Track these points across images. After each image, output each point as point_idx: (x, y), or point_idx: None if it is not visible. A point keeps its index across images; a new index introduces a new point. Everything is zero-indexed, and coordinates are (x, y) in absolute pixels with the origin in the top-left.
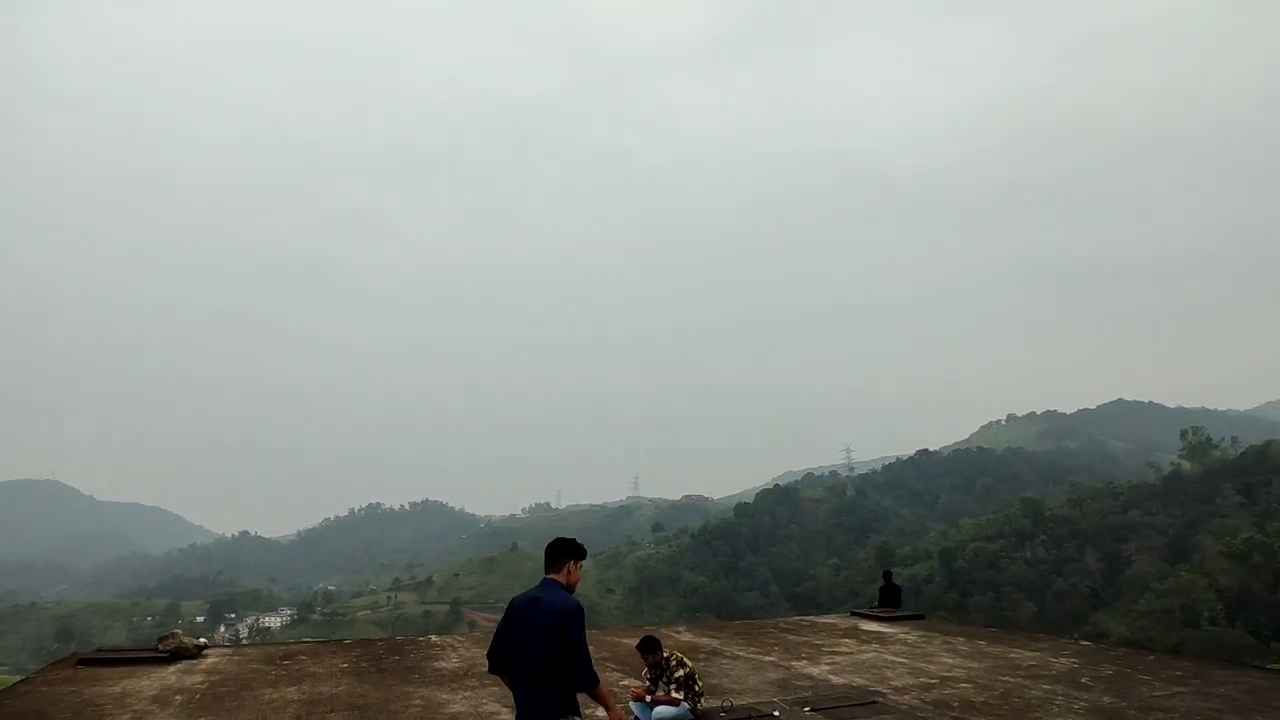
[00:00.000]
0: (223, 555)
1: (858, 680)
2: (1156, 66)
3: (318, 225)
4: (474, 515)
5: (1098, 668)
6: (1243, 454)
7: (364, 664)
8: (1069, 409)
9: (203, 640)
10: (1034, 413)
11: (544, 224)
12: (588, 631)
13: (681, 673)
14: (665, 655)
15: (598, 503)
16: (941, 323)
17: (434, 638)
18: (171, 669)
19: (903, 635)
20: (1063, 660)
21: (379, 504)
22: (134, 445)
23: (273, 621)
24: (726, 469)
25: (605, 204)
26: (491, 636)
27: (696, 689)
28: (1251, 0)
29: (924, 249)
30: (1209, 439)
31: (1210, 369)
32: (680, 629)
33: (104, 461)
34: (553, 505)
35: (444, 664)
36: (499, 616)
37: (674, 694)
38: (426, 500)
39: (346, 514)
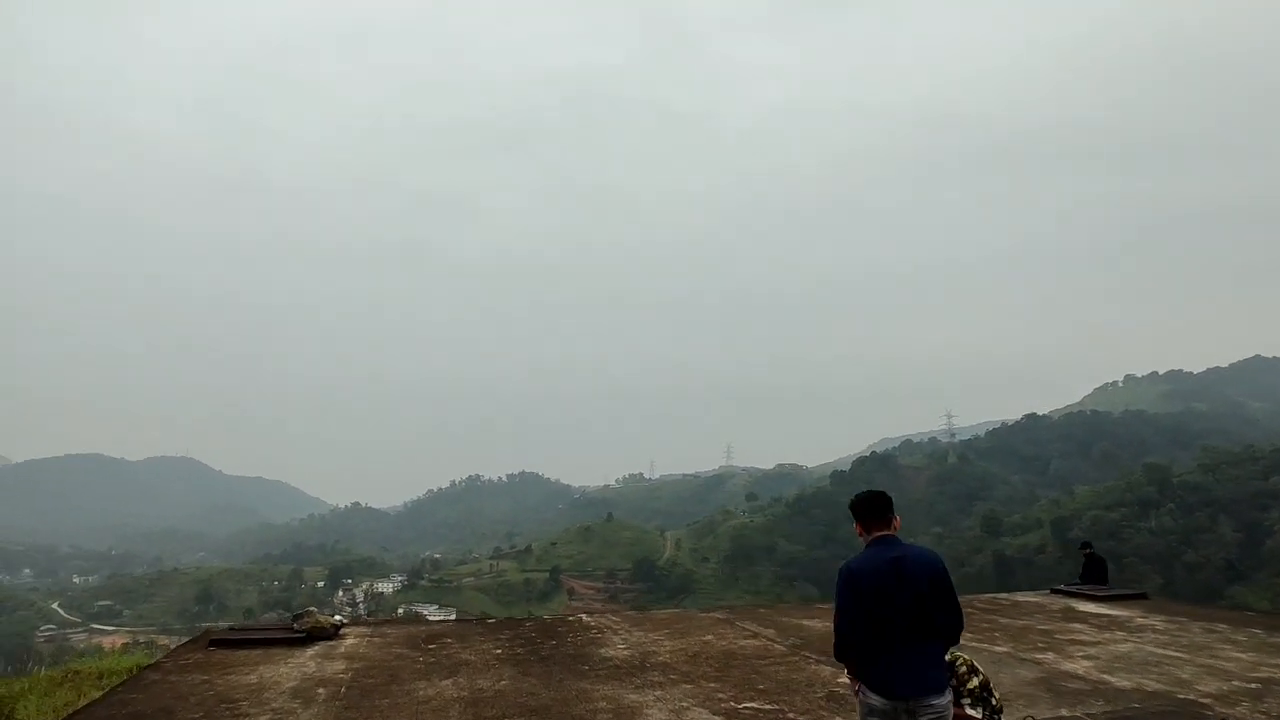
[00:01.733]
0: (338, 525)
1: (1148, 684)
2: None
3: (407, 211)
4: (569, 486)
5: None
6: None
7: (519, 650)
8: (1197, 368)
9: (339, 619)
10: (1156, 373)
11: (627, 193)
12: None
13: (975, 682)
14: (950, 660)
15: (690, 472)
16: (1046, 282)
17: (585, 618)
18: (309, 652)
19: (1141, 619)
20: None
21: (478, 476)
22: (256, 425)
23: (385, 587)
24: (821, 437)
25: (686, 169)
26: (845, 616)
27: (994, 703)
28: None
29: (1024, 203)
30: None
31: None
32: None
33: (231, 440)
34: (646, 475)
35: (611, 651)
36: (597, 584)
37: (970, 711)
38: (523, 472)
39: (448, 486)
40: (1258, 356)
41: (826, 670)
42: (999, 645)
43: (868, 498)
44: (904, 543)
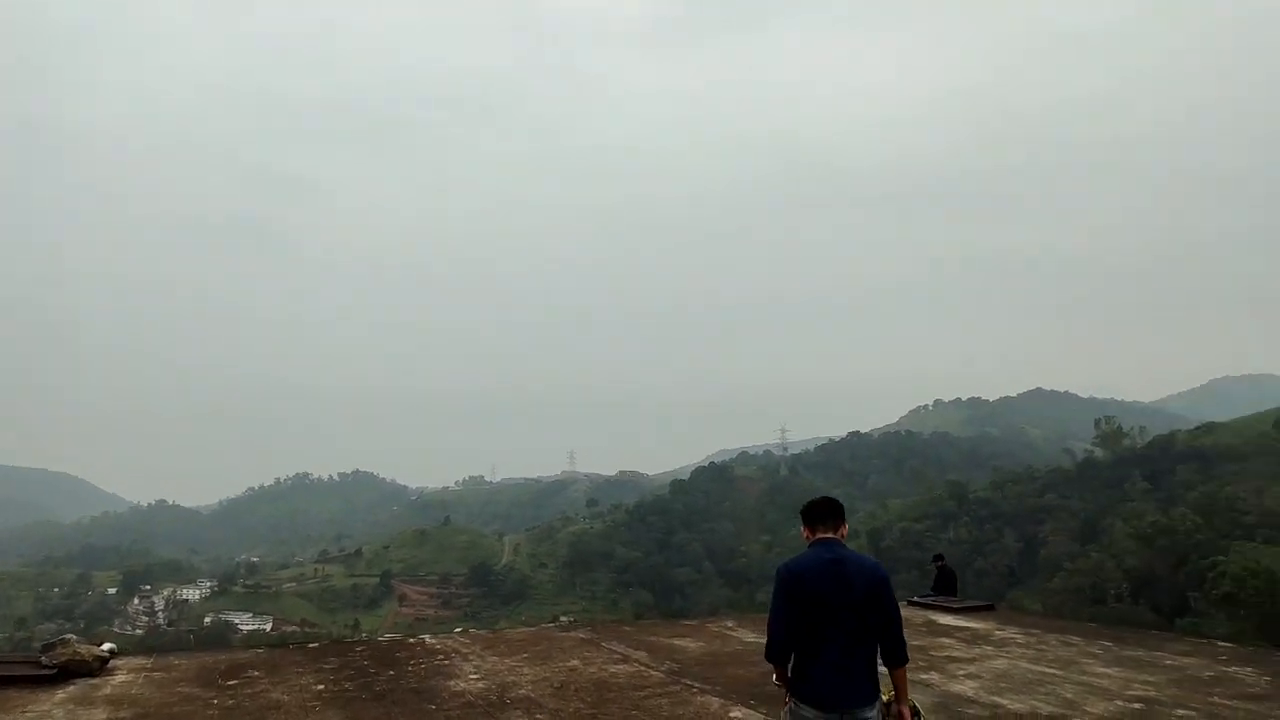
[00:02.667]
0: (138, 524)
1: (1041, 707)
2: (1096, 75)
3: (245, 188)
4: (405, 487)
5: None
6: (1149, 443)
7: (348, 684)
8: (992, 396)
9: (109, 647)
10: (960, 399)
11: (485, 198)
12: None
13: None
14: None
15: (533, 477)
16: (878, 311)
17: (430, 640)
18: (60, 695)
19: (1000, 632)
20: (1239, 670)
21: (306, 474)
22: (39, 408)
23: (191, 594)
24: (663, 446)
25: (549, 180)
26: (779, 618)
27: None
28: (1184, 17)
29: (866, 241)
30: (1120, 428)
31: (1119, 364)
32: (726, 621)
33: (7, 423)
34: (486, 479)
35: (463, 684)
36: (431, 589)
37: None
38: (356, 471)
39: (272, 484)
40: (1039, 389)
41: (715, 703)
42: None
43: (820, 501)
44: (851, 550)
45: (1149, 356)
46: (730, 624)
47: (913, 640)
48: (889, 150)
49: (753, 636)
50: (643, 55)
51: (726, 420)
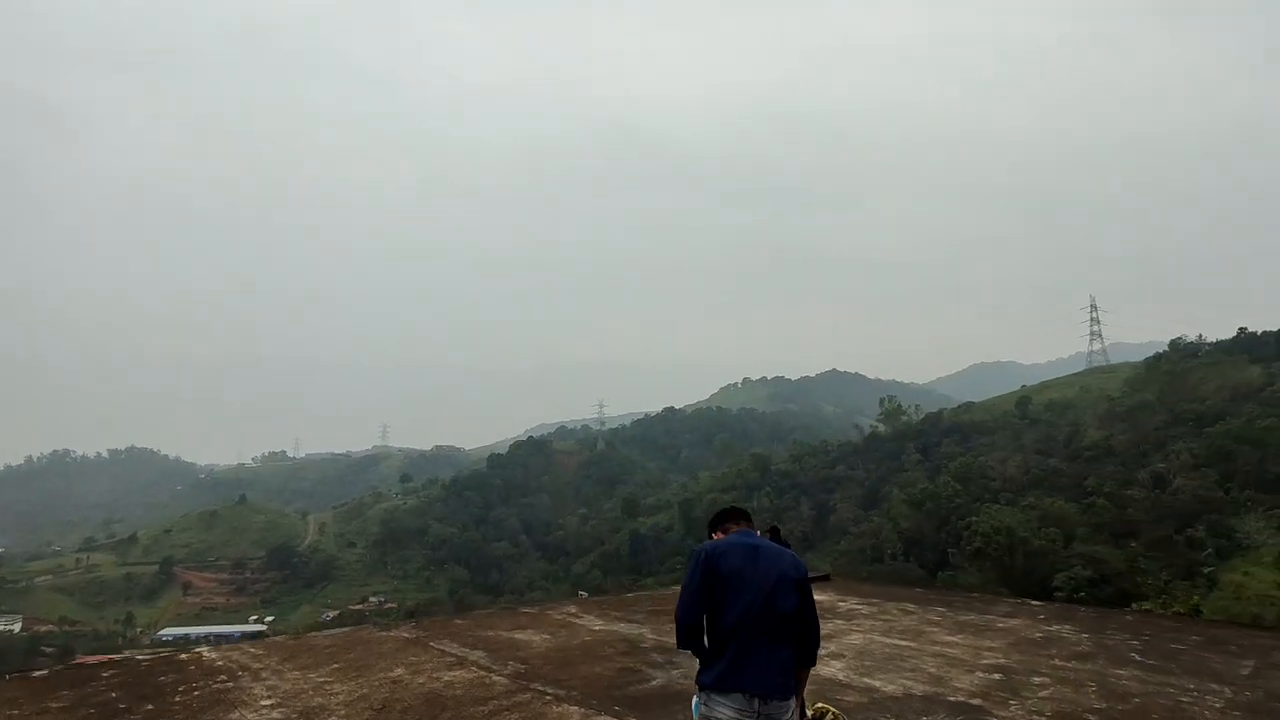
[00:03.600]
0: None
1: (914, 687)
2: (896, 83)
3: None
4: (192, 464)
5: (1108, 634)
6: (922, 420)
7: None
8: (793, 376)
9: None
10: (765, 378)
11: (290, 147)
12: None
13: None
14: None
15: (341, 451)
16: (693, 291)
17: (208, 655)
18: None
19: (843, 604)
20: (1060, 629)
21: (67, 451)
22: None
23: None
24: (480, 420)
25: (364, 136)
26: (689, 597)
27: None
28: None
29: (680, 220)
30: (899, 407)
31: (900, 349)
32: (568, 606)
33: None
34: (289, 454)
35: (251, 715)
36: (222, 575)
37: None
38: (131, 447)
39: (21, 463)
40: (834, 369)
41: (575, 712)
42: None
43: (730, 507)
44: (771, 542)
45: (924, 344)
46: (573, 609)
47: None
48: (703, 136)
49: (601, 623)
50: (466, 20)
51: (547, 395)
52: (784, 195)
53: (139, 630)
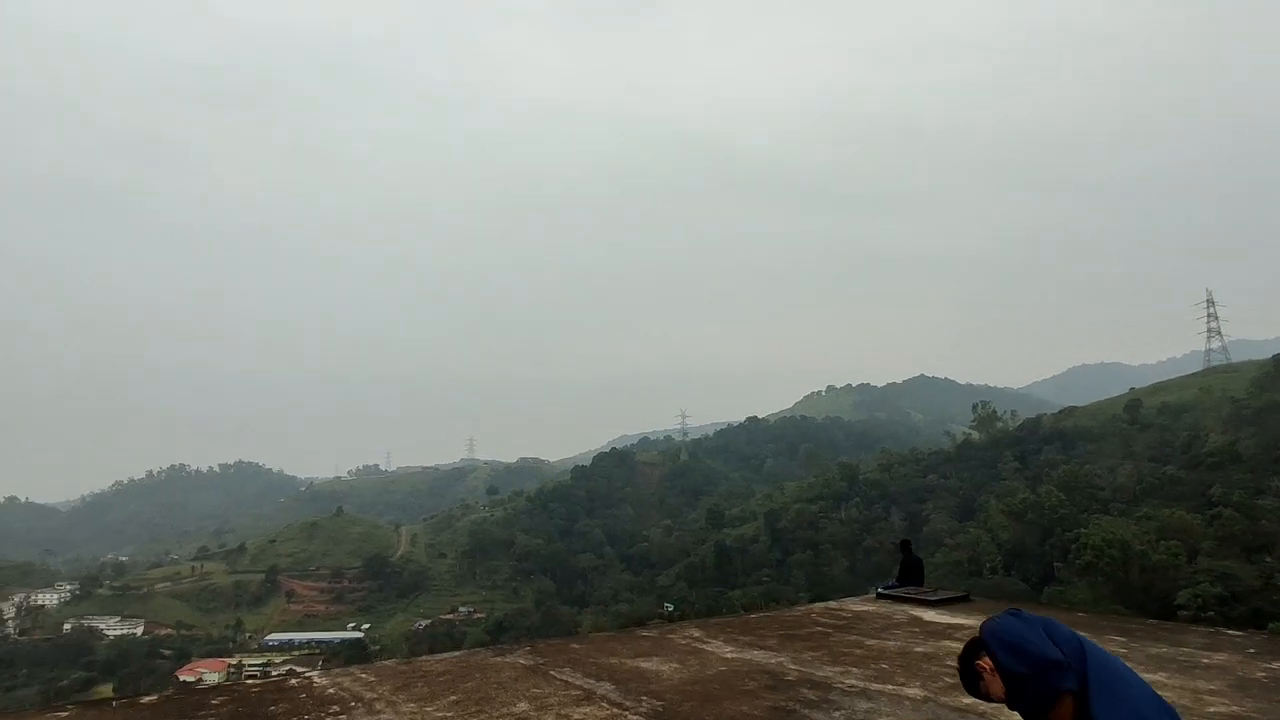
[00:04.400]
0: None
1: None
2: (972, 75)
3: (102, 151)
4: (293, 477)
5: None
6: (1020, 426)
7: None
8: (879, 382)
9: None
10: (850, 385)
11: (373, 171)
12: None
13: None
14: None
15: (430, 465)
16: (773, 300)
17: (317, 679)
18: None
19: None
20: (1272, 665)
21: (183, 465)
22: None
23: (49, 599)
24: (563, 432)
25: (441, 155)
26: None
27: None
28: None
29: (759, 228)
30: (994, 412)
31: (992, 352)
32: (690, 630)
33: None
34: (381, 467)
35: None
36: (321, 584)
37: None
38: (240, 462)
39: (143, 477)
40: (922, 375)
41: None
42: (908, 686)
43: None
44: None
45: (1018, 346)
46: (697, 633)
47: (915, 646)
48: (774, 142)
49: (731, 650)
50: (537, 36)
51: (628, 406)
52: (860, 198)
53: (247, 635)
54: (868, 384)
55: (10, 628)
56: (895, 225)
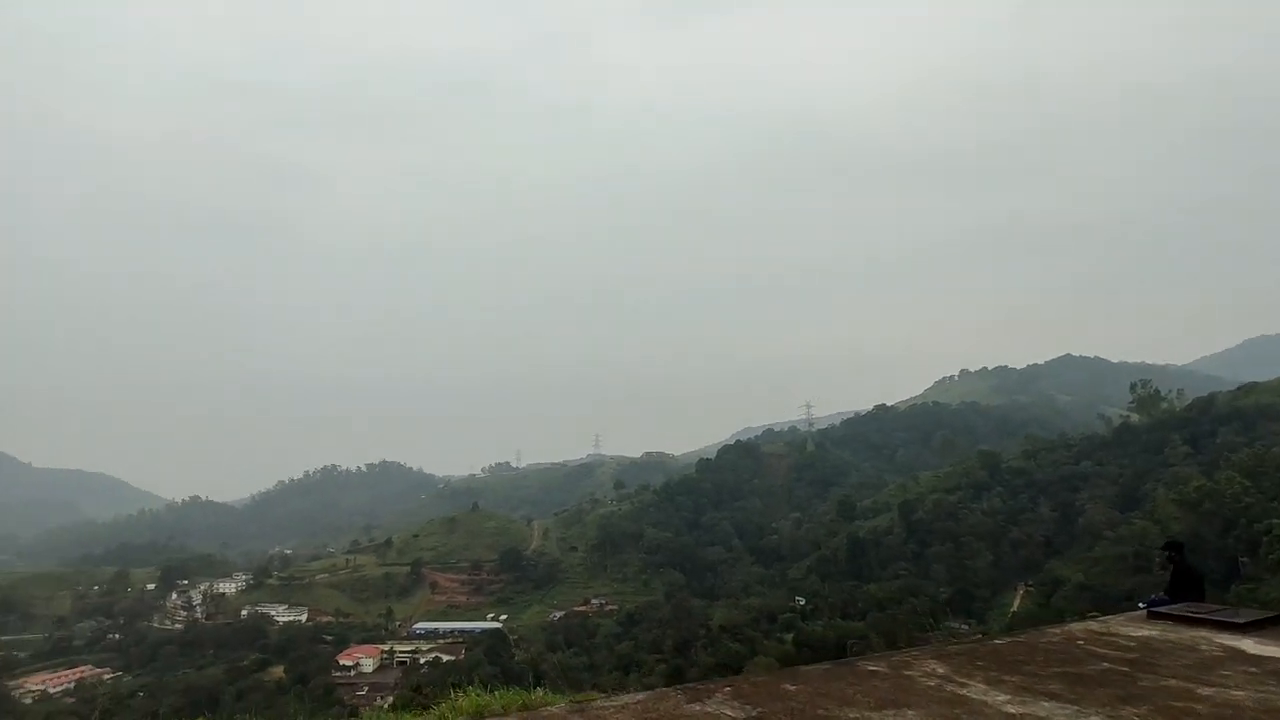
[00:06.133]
0: (173, 521)
1: None
2: (1095, 36)
3: (247, 180)
4: (432, 475)
5: None
6: (1189, 406)
7: None
8: (1018, 364)
9: None
10: (986, 368)
11: (492, 182)
12: None
13: None
14: None
15: (558, 461)
16: (897, 283)
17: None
18: None
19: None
20: None
21: (334, 466)
22: (71, 411)
23: (227, 588)
24: (688, 426)
25: (554, 163)
26: None
27: None
28: None
29: (877, 212)
30: (1156, 392)
31: (1147, 327)
32: (927, 662)
33: (42, 429)
34: (512, 464)
35: None
36: (462, 576)
37: None
38: (384, 461)
39: (301, 477)
40: (1068, 355)
41: None
42: None
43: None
44: None
45: (1179, 319)
46: (938, 667)
47: (1198, 687)
48: (885, 123)
49: (1005, 697)
50: (639, 34)
51: (750, 398)
52: (991, 171)
53: (397, 624)
54: (1006, 366)
55: (199, 612)
56: (1030, 196)
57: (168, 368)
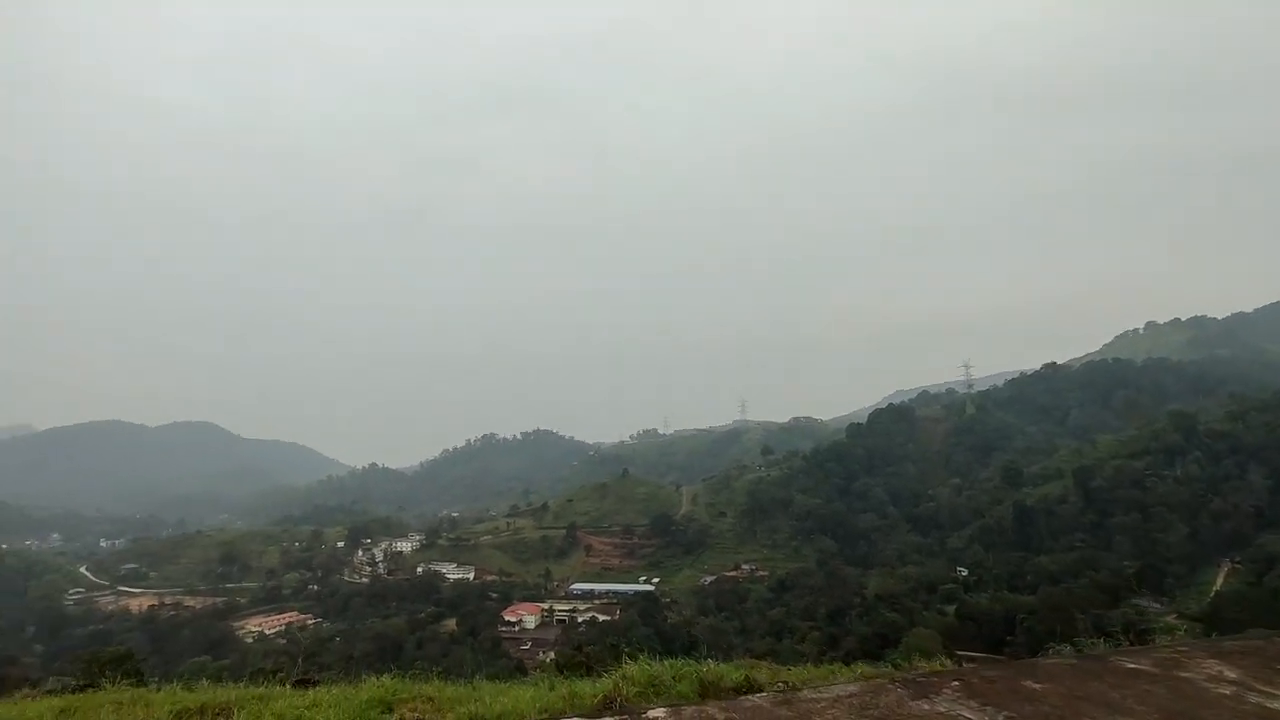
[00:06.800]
0: (355, 486)
1: None
2: None
3: (413, 173)
4: (583, 443)
5: None
6: None
7: None
8: (1219, 314)
9: None
10: (1178, 319)
11: (635, 151)
12: None
13: None
14: None
15: (704, 427)
16: (1067, 224)
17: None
18: None
19: None
20: None
21: (493, 434)
22: (272, 390)
23: (404, 547)
24: (836, 390)
25: (697, 127)
26: None
27: None
28: None
29: (1037, 152)
30: None
31: None
32: (1204, 660)
33: (248, 405)
34: (660, 431)
35: None
36: (615, 540)
37: None
38: (538, 430)
39: (463, 445)
40: None
41: None
42: None
43: None
44: None
45: None
46: (1225, 671)
47: None
48: (1044, 48)
49: None
50: None
51: (902, 360)
52: (1180, 90)
53: (555, 584)
54: (1203, 316)
55: (381, 568)
56: (1210, 128)
57: (349, 352)
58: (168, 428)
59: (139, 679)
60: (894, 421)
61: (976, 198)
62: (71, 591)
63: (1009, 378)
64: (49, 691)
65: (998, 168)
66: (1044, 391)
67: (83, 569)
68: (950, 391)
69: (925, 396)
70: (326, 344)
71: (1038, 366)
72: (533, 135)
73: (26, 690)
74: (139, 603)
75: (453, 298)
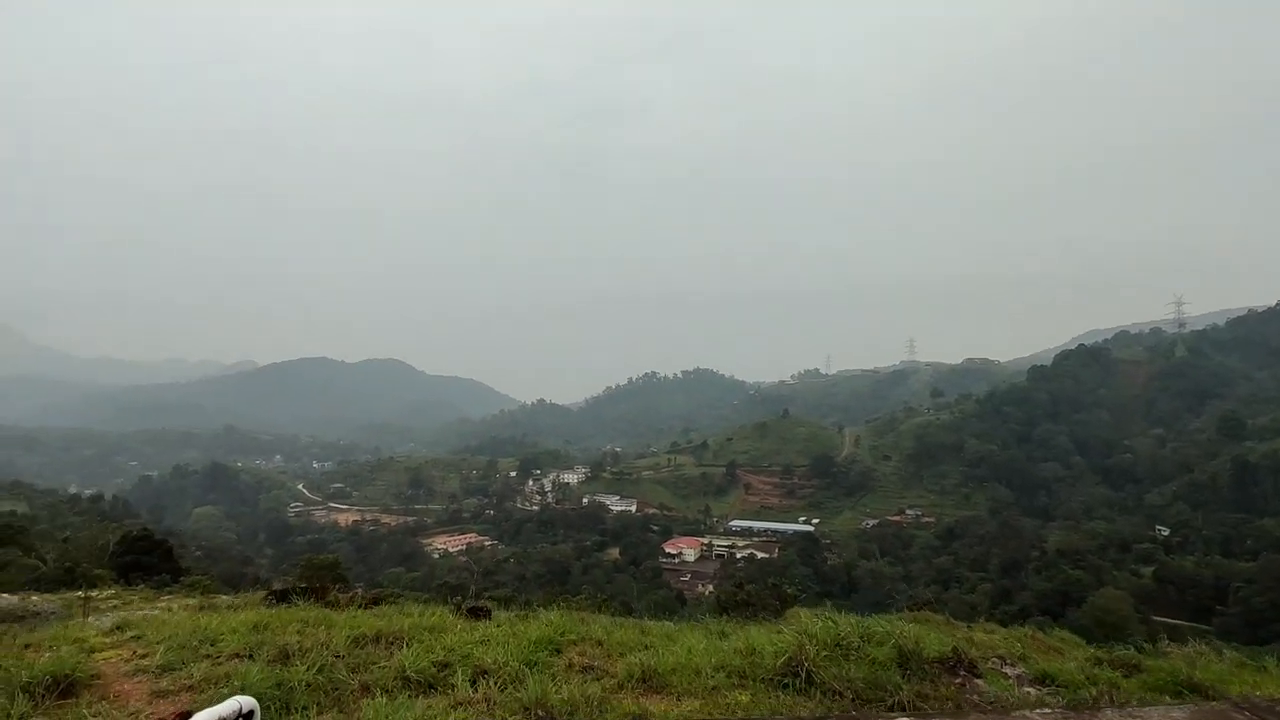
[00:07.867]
0: (526, 420)
1: None
2: None
3: (575, 120)
4: (744, 382)
5: None
6: None
7: None
8: None
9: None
10: None
11: (802, 81)
12: None
13: None
14: None
15: (869, 368)
16: None
17: None
18: None
19: None
20: None
21: (655, 373)
22: (454, 329)
23: (570, 478)
24: (1013, 330)
25: (866, 50)
26: None
27: None
28: None
29: (1253, 59)
30: None
31: None
32: None
33: (433, 343)
34: (822, 371)
35: None
36: (774, 479)
37: None
38: (698, 368)
39: (626, 383)
40: None
41: None
42: None
43: None
44: None
45: None
46: None
47: None
48: None
49: None
50: None
51: (1098, 296)
52: None
53: (714, 519)
54: None
55: (549, 498)
56: None
57: (523, 291)
58: (363, 364)
59: (345, 584)
60: (1084, 364)
61: (1185, 119)
62: (292, 505)
63: (1231, 315)
64: (273, 592)
65: (1211, 84)
66: (1277, 332)
67: (300, 486)
68: (1156, 332)
69: (1124, 336)
70: (502, 289)
71: (1271, 303)
72: (684, 76)
73: (255, 590)
74: (345, 517)
75: (626, 248)
